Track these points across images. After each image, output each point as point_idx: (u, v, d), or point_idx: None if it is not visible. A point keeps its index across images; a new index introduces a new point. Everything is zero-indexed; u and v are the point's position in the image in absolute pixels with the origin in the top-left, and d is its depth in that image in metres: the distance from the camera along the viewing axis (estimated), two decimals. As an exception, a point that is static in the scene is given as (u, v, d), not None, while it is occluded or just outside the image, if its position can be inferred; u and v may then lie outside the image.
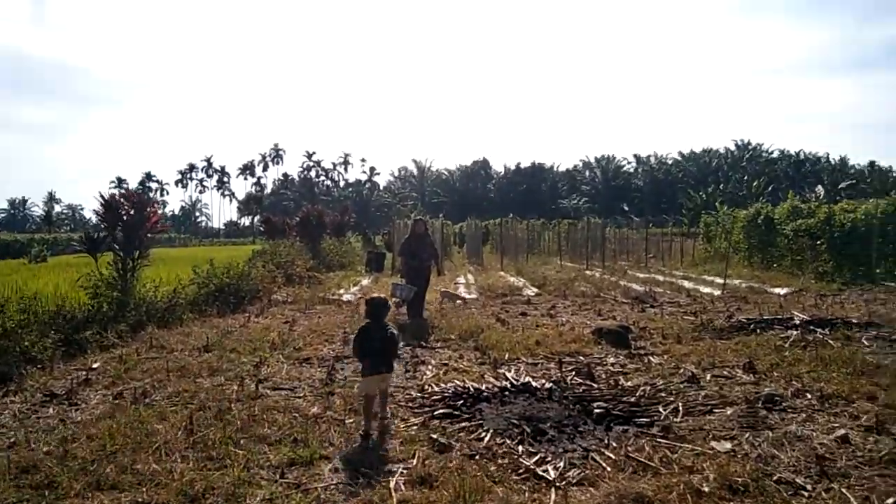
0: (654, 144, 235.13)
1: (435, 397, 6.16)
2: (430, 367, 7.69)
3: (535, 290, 16.23)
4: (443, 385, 6.59)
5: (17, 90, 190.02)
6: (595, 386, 6.71)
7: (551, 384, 6.69)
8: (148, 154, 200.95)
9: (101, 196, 11.79)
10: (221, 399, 6.23)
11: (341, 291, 16.51)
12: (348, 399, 6.13)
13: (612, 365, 7.76)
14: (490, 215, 66.52)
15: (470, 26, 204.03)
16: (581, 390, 6.51)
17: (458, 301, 13.81)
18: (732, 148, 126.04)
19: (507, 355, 8.19)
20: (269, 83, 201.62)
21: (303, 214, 25.88)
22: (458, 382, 6.64)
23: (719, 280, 18.89)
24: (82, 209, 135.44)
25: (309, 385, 6.90)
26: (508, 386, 6.55)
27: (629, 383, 6.74)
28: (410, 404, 6.07)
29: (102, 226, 11.98)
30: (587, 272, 22.76)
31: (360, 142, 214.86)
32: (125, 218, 11.89)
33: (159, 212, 12.52)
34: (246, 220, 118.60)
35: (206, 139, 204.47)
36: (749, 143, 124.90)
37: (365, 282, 19.70)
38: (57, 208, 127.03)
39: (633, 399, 6.09)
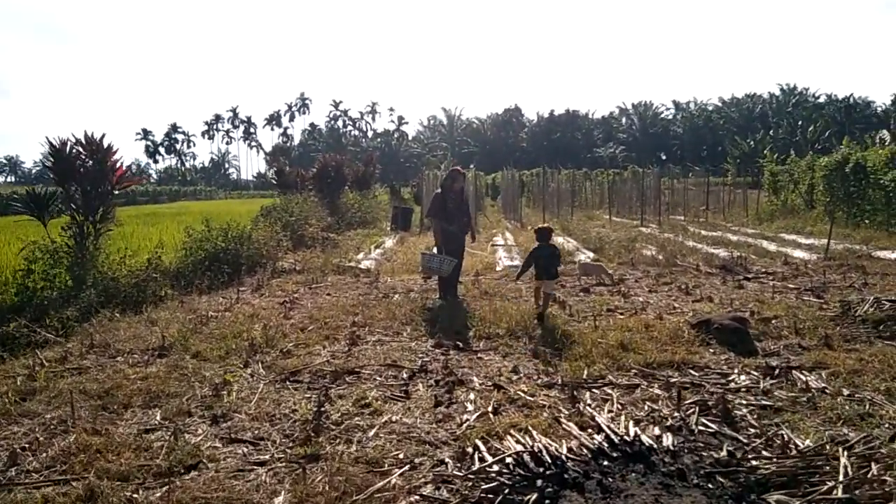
0: (694, 90, 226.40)
1: (486, 481, 3.58)
2: (472, 391, 5.13)
3: (591, 254, 13.53)
4: (496, 446, 4.01)
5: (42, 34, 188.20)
6: (745, 442, 4.09)
7: (672, 438, 4.10)
8: (174, 106, 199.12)
9: (50, 142, 9.29)
10: (129, 471, 3.76)
11: (360, 256, 14.00)
12: (337, 475, 3.59)
13: (747, 389, 5.12)
14: (523, 165, 63.32)
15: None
16: (725, 455, 3.90)
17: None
18: (777, 92, 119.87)
19: (584, 369, 5.59)
20: (294, 30, 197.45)
21: (320, 165, 23.20)
22: (520, 439, 4.05)
23: (804, 240, 16.01)
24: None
25: (284, 434, 4.38)
26: (605, 446, 3.96)
27: (804, 441, 4.09)
28: (446, 493, 3.51)
29: (54, 180, 9.51)
30: (643, 229, 19.92)
31: (388, 90, 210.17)
32: (82, 170, 9.42)
33: (124, 163, 9.96)
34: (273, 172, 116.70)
35: (232, 89, 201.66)
36: (795, 88, 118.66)
37: (388, 243, 17.16)
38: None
39: (833, 486, 3.46)
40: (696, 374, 5.55)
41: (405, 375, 5.56)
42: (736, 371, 5.57)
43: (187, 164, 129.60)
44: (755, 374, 5.48)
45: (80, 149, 9.46)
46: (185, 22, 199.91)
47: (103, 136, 9.57)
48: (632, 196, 29.52)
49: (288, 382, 5.48)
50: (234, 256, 11.89)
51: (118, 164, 9.84)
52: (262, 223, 14.52)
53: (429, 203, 9.41)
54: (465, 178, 9.90)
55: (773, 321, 7.20)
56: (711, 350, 6.25)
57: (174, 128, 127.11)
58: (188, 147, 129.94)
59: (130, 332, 7.30)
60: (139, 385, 5.34)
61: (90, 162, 9.52)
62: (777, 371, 5.48)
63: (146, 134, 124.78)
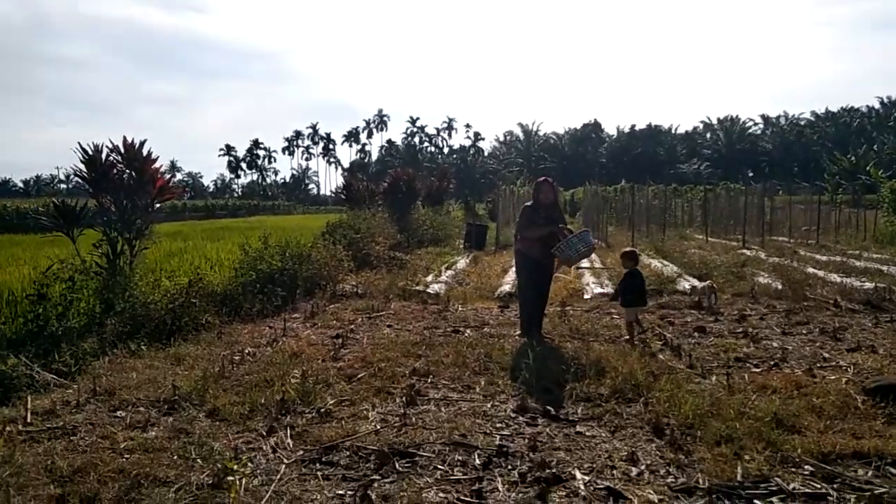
0: (784, 103, 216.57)
1: None
2: (574, 497, 3.54)
3: (695, 281, 11.62)
4: None
5: (143, 65, 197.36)
6: None
7: None
8: (258, 123, 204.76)
9: (83, 148, 8.28)
10: None
11: (429, 279, 12.55)
12: None
13: None
14: (602, 181, 60.92)
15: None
16: None
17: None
18: (877, 106, 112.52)
19: (734, 462, 3.91)
20: (373, 46, 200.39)
21: (391, 179, 22.02)
22: None
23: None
24: (201, 177, 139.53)
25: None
26: None
27: None
28: None
29: (87, 191, 8.49)
30: (746, 252, 17.73)
31: (465, 106, 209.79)
32: (118, 180, 8.37)
33: (166, 175, 8.88)
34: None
35: (312, 106, 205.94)
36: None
37: (461, 263, 15.67)
38: (178, 176, 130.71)
39: None
40: (907, 477, 3.78)
41: (477, 461, 4.02)
42: (968, 476, 3.76)
43: (268, 180, 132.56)
44: None
45: (117, 157, 8.41)
46: (265, 41, 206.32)
47: (143, 142, 8.54)
48: (727, 214, 27.14)
49: (318, 465, 4.03)
50: (290, 278, 10.69)
51: (159, 174, 8.73)
52: (324, 240, 13.28)
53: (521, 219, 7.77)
54: (555, 188, 8.14)
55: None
56: (910, 434, 4.43)
57: (256, 144, 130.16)
58: (269, 163, 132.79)
59: (147, 374, 6.05)
60: (123, 461, 4.01)
61: (128, 171, 8.45)
62: None
63: (229, 150, 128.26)
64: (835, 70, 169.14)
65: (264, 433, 4.52)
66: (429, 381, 5.72)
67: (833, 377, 5.74)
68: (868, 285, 10.48)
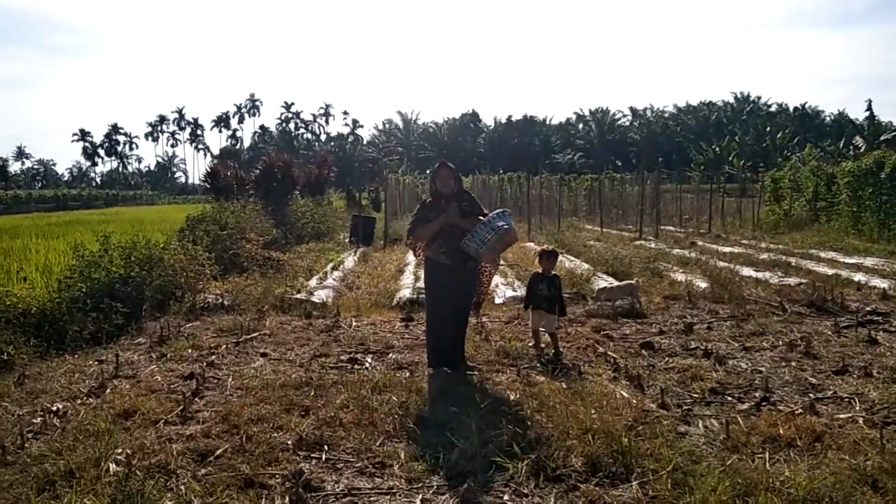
0: (650, 96, 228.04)
1: None
2: None
3: (612, 279, 10.42)
4: None
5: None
6: None
7: None
8: (117, 106, 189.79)
9: None
10: None
11: (312, 283, 10.62)
12: None
13: None
14: (482, 171, 60.35)
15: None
16: None
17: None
18: (731, 100, 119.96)
19: None
20: (245, 27, 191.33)
21: (264, 165, 19.65)
22: None
23: (846, 258, 13.30)
24: (54, 164, 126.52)
25: None
26: None
27: None
28: None
29: None
30: (645, 243, 17.03)
31: (342, 93, 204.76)
32: None
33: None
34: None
35: (178, 89, 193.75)
36: (748, 96, 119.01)
37: (349, 261, 13.79)
38: (28, 163, 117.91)
39: None
40: None
41: None
42: None
43: (130, 168, 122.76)
44: None
45: None
46: (126, 14, 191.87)
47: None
48: (614, 204, 26.85)
49: None
50: (136, 288, 8.49)
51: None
52: (181, 239, 11.00)
53: (414, 217, 6.10)
54: (456, 174, 6.20)
55: None
56: None
57: (115, 129, 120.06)
58: (131, 149, 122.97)
59: None
60: None
61: None
62: None
63: (84, 135, 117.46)
64: (695, 64, 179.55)
65: None
66: (322, 457, 3.93)
67: (843, 416, 4.52)
68: (790, 280, 9.73)
